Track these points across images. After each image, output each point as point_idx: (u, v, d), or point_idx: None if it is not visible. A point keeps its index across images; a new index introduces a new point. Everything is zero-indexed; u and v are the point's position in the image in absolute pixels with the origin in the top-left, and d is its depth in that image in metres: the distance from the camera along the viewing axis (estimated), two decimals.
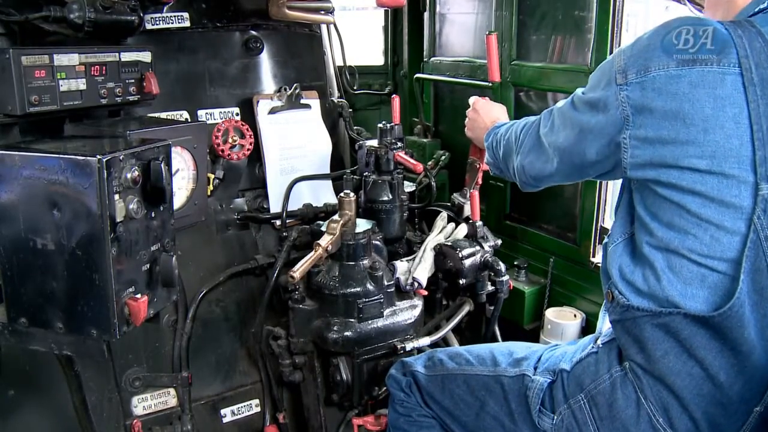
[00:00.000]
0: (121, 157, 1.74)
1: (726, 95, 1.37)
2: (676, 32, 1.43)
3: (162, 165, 1.84)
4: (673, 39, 1.43)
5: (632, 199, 1.65)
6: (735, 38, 1.38)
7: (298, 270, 2.25)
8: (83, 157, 1.70)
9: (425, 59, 3.96)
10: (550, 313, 3.07)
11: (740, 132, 1.37)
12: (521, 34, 3.32)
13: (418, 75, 3.92)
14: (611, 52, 2.76)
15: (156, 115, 2.66)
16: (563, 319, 3.03)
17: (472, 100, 2.57)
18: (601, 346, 1.83)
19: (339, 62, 3.51)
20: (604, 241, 1.78)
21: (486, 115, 2.48)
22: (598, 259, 3.00)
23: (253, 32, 2.93)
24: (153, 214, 1.90)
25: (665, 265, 1.52)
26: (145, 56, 2.42)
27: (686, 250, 1.48)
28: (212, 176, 2.56)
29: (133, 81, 2.37)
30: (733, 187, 1.39)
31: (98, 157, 1.68)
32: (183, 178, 2.31)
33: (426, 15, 3.94)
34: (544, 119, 1.88)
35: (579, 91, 1.72)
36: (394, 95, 3.05)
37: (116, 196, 1.74)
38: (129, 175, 1.76)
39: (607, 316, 1.73)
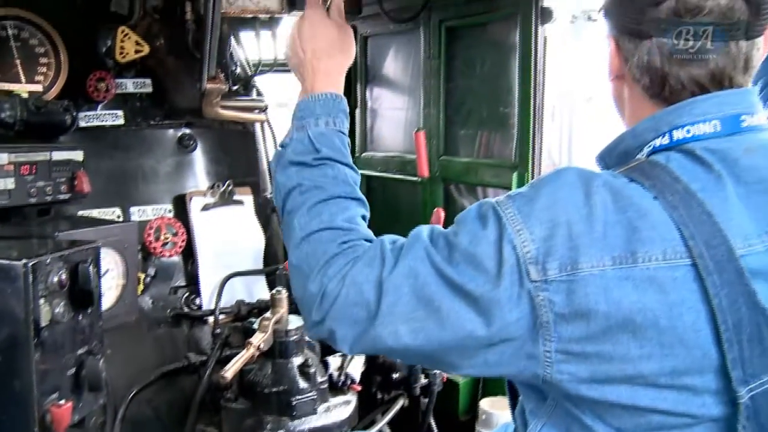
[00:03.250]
0: (48, 261, 1.72)
1: (683, 296, 1.08)
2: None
3: (90, 268, 1.83)
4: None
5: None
6: (670, 216, 1.09)
7: (230, 369, 2.23)
8: (8, 261, 1.67)
9: (357, 154, 4.07)
10: (485, 404, 3.08)
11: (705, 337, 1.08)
12: (449, 130, 3.46)
13: None
14: (533, 146, 2.91)
15: (88, 212, 2.64)
16: (498, 409, 3.04)
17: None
18: None
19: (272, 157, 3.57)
20: None
21: (306, 49, 1.63)
22: None
23: (187, 130, 2.97)
24: (80, 317, 1.87)
25: None
26: (77, 155, 2.43)
27: None
28: (143, 275, 2.54)
29: (64, 180, 2.37)
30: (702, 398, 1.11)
31: (24, 261, 1.66)
32: (113, 278, 2.29)
33: (357, 111, 4.07)
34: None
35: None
36: None
37: (41, 300, 1.70)
38: (56, 279, 1.74)
39: None
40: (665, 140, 1.19)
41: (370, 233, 1.42)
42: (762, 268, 1.08)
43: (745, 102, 1.19)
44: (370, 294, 1.21)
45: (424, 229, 1.26)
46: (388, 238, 1.31)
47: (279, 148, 1.53)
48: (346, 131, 1.53)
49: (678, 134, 1.18)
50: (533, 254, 1.10)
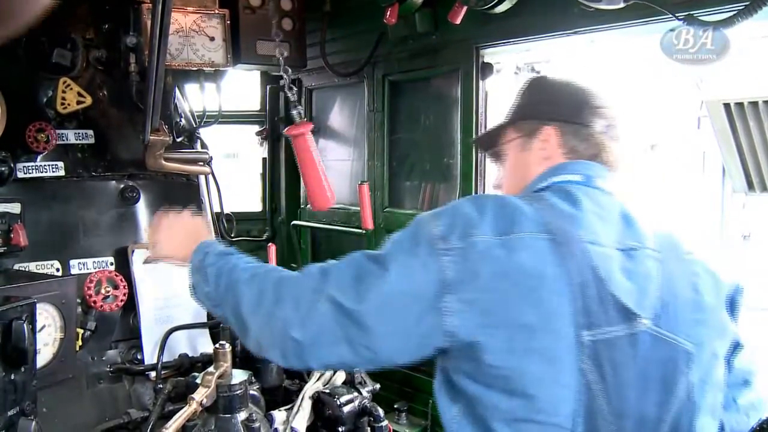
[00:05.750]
0: None
1: (545, 257, 1.50)
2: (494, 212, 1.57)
3: (24, 325, 1.78)
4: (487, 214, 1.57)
5: (450, 378, 1.62)
6: (536, 211, 1.57)
7: (172, 426, 2.17)
8: None
9: (302, 205, 4.07)
10: None
11: (562, 288, 1.49)
12: (393, 182, 3.51)
13: (294, 222, 4.02)
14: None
15: (25, 265, 2.58)
16: None
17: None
18: None
19: (217, 209, 3.55)
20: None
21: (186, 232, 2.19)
22: None
23: (129, 182, 2.95)
24: (12, 377, 1.81)
25: None
26: (14, 207, 2.40)
27: (534, 413, 1.49)
28: (81, 331, 2.48)
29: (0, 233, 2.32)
30: (559, 341, 1.48)
31: None
32: (49, 334, 2.23)
33: None
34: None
35: None
36: (270, 244, 3.11)
37: None
38: None
39: None
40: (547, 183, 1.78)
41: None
42: (602, 254, 1.54)
43: (597, 170, 1.78)
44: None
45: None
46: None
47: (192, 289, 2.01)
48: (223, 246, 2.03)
49: (556, 179, 1.77)
50: (440, 232, 1.54)
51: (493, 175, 2.10)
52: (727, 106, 6.24)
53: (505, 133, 1.95)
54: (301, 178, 2.72)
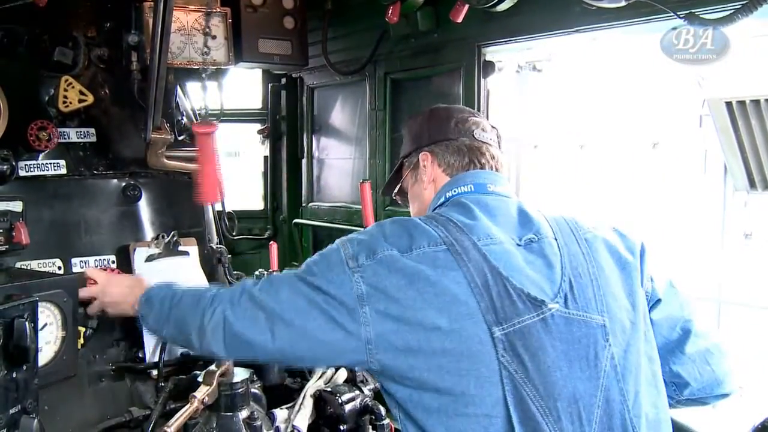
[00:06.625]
0: None
1: (445, 266, 1.66)
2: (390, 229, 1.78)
3: (26, 323, 1.78)
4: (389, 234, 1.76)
5: (384, 387, 1.78)
6: (432, 228, 1.74)
7: (173, 424, 2.18)
8: None
9: (304, 204, 4.08)
10: None
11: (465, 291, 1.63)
12: None
13: (296, 220, 4.02)
14: None
15: (27, 263, 2.58)
16: None
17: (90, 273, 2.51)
18: None
19: (218, 207, 3.55)
20: None
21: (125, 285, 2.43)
22: None
23: (131, 180, 2.94)
24: (14, 375, 1.81)
25: None
26: (16, 206, 2.39)
27: (463, 407, 1.60)
28: (83, 329, 2.48)
29: (1, 231, 2.32)
30: (471, 340, 1.61)
31: None
32: (51, 333, 2.23)
33: (304, 161, 4.10)
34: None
35: None
36: (271, 242, 3.11)
37: None
38: None
39: None
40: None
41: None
42: (500, 252, 1.69)
43: (486, 176, 1.98)
44: None
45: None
46: None
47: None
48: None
49: (449, 194, 1.96)
50: (351, 253, 1.73)
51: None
52: (729, 104, 6.24)
53: (401, 175, 2.22)
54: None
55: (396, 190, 2.31)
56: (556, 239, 1.78)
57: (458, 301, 1.61)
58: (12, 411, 1.81)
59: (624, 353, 1.69)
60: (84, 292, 2.41)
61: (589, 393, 1.62)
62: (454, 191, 1.95)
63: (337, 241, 1.82)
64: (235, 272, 3.32)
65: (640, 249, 1.91)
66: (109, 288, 2.40)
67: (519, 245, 1.74)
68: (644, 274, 1.88)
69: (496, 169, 2.05)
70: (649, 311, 1.86)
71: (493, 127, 2.13)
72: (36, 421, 1.87)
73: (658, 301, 1.90)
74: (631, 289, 1.80)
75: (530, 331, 1.61)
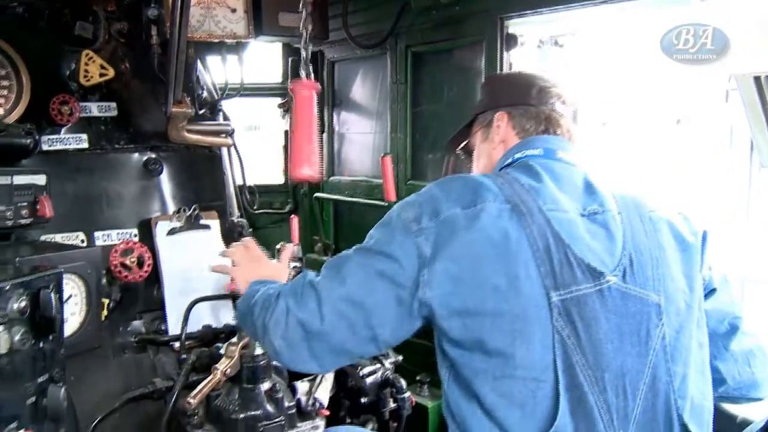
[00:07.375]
0: (7, 287, 1.69)
1: (508, 225, 1.62)
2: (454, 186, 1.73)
3: (52, 294, 1.80)
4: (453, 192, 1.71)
5: (440, 344, 1.75)
6: (498, 186, 1.69)
7: (196, 395, 2.20)
8: None
9: (325, 178, 4.07)
10: None
11: (526, 253, 1.61)
12: (416, 155, 3.49)
13: (317, 194, 4.02)
14: None
15: (51, 236, 2.61)
16: None
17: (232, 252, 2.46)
18: None
19: (239, 181, 3.56)
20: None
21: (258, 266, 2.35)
22: None
23: (152, 154, 2.96)
24: (41, 344, 1.83)
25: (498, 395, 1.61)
26: (40, 179, 2.41)
27: (512, 369, 1.59)
28: (107, 301, 2.51)
29: (25, 204, 2.35)
30: (529, 302, 1.59)
31: None
32: (76, 304, 2.26)
33: (325, 135, 4.08)
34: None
35: None
36: (292, 216, 3.11)
37: (1, 328, 1.67)
38: (16, 306, 1.71)
39: None
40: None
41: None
42: (564, 220, 1.64)
43: (557, 142, 1.91)
44: None
45: None
46: None
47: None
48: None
49: (518, 155, 1.89)
50: (412, 216, 1.68)
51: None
52: (757, 79, 6.11)
53: (470, 131, 2.15)
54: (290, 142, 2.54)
55: (461, 146, 2.25)
56: (620, 213, 1.75)
57: (519, 262, 1.58)
58: (40, 380, 1.84)
59: (676, 334, 1.67)
60: (218, 268, 2.52)
61: (636, 369, 1.62)
62: (524, 153, 1.90)
63: (396, 205, 1.78)
64: None
65: (703, 235, 1.88)
66: (235, 273, 2.36)
67: (583, 215, 1.71)
68: (704, 261, 1.86)
69: (570, 140, 1.99)
70: (705, 299, 1.84)
71: (573, 101, 2.07)
72: (63, 389, 1.89)
73: (713, 290, 1.89)
74: (690, 273, 1.78)
75: (586, 300, 1.60)
